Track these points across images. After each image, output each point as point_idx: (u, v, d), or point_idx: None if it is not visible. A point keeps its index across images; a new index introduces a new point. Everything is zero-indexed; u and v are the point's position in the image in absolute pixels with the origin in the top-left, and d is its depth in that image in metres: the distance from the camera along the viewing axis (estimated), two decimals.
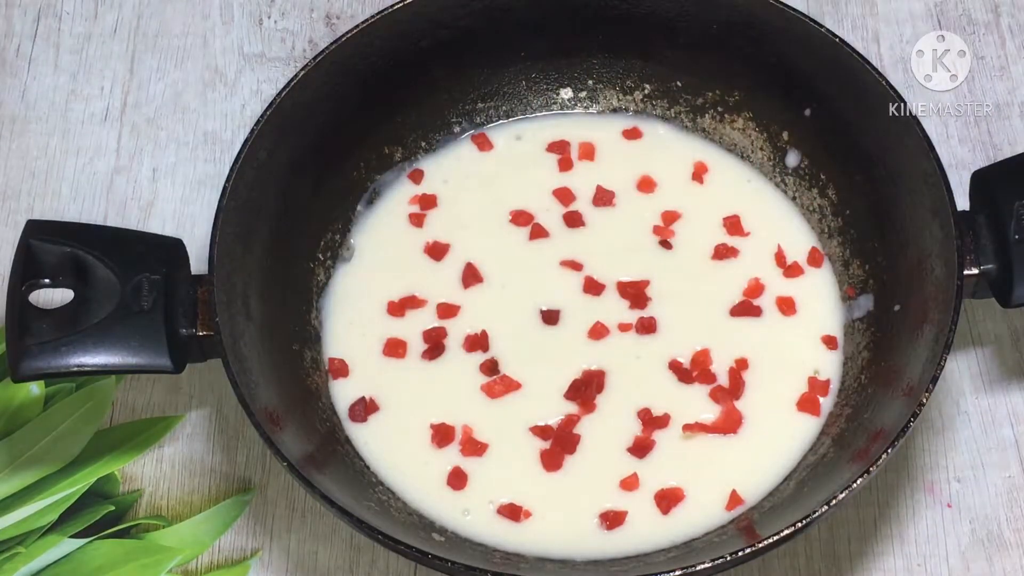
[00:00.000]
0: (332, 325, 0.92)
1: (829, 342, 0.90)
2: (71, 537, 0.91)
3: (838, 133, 0.92)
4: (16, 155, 1.05)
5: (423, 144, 0.97)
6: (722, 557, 0.75)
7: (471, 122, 0.98)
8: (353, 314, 0.92)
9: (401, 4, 0.91)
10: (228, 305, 0.83)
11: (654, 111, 0.98)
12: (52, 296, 0.90)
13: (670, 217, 0.94)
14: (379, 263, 0.94)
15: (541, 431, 0.87)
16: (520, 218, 0.95)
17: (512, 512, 0.85)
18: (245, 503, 0.92)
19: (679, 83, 0.97)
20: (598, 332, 0.90)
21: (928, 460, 0.92)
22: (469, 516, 0.85)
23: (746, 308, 0.91)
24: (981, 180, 0.86)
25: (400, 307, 0.92)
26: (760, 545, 0.75)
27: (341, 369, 0.90)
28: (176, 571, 0.89)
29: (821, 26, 0.89)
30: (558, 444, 0.87)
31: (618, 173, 0.96)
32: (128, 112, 1.07)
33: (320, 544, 0.90)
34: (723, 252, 0.93)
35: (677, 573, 0.75)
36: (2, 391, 0.95)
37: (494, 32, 0.95)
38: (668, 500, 0.85)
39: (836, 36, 0.88)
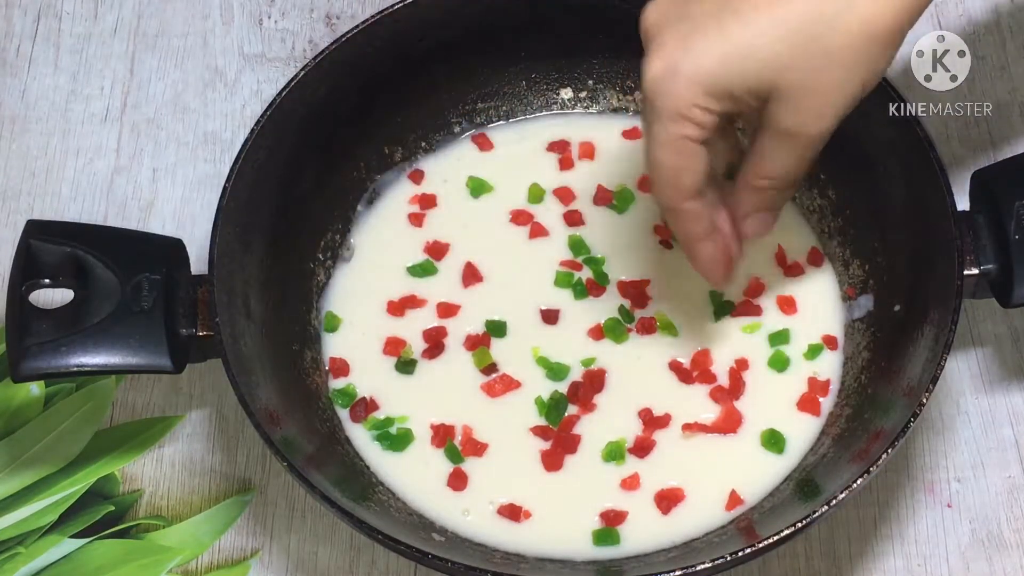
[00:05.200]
0: (332, 325, 0.92)
1: (829, 342, 0.90)
2: (71, 537, 0.91)
3: (838, 133, 0.91)
4: (16, 155, 1.05)
5: (423, 144, 0.97)
6: (722, 557, 0.75)
7: (471, 122, 0.98)
8: (353, 314, 0.92)
9: (401, 4, 0.91)
10: (228, 305, 0.83)
11: None
12: (52, 296, 0.90)
13: None
14: (379, 263, 0.94)
15: (541, 431, 0.87)
16: (520, 218, 0.95)
17: (512, 512, 0.85)
18: (245, 503, 0.92)
19: None
20: (598, 332, 0.90)
21: (928, 460, 0.92)
22: (469, 516, 0.85)
23: (746, 308, 0.91)
24: (981, 180, 0.86)
25: (400, 307, 0.92)
26: (760, 545, 0.75)
27: (341, 369, 0.90)
28: (176, 571, 0.89)
29: None
30: (558, 444, 0.87)
31: (618, 173, 0.96)
32: (128, 112, 1.07)
33: (320, 544, 0.90)
34: None
35: (677, 573, 0.75)
36: (2, 391, 0.95)
37: (494, 32, 0.95)
38: (668, 500, 0.85)
39: None
